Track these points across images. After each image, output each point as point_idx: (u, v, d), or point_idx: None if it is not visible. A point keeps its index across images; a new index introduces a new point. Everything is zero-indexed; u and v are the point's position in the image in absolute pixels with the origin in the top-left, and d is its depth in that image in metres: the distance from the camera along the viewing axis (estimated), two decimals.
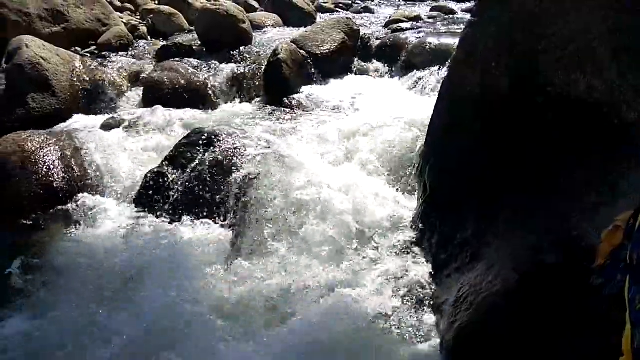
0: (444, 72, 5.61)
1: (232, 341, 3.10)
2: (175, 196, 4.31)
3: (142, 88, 6.18)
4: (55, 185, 4.49)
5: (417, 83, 6.33)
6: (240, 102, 6.21)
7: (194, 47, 7.08)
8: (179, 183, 4.38)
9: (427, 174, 3.88)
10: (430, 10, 9.90)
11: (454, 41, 5.83)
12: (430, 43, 6.54)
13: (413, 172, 4.41)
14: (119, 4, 9.13)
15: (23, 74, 5.55)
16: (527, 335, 2.30)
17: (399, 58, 6.75)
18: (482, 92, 3.26)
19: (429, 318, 3.05)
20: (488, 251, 2.91)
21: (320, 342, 2.94)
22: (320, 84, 6.61)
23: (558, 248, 2.43)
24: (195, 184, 4.37)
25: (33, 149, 4.61)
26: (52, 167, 4.57)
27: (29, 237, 4.14)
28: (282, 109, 5.90)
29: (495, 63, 3.15)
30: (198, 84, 6.22)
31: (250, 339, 3.11)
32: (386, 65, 6.91)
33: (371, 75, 6.91)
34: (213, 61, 6.67)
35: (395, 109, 5.45)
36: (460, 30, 4.81)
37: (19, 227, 4.19)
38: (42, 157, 4.59)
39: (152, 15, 8.40)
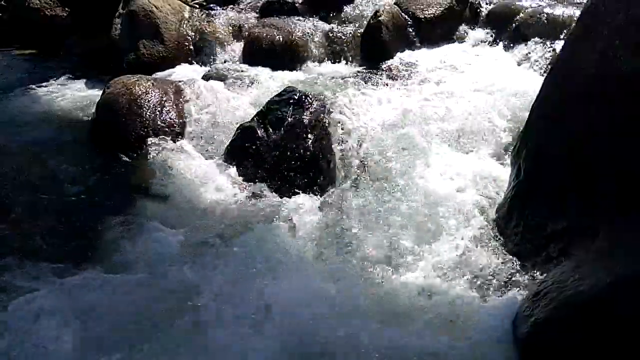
0: (558, 46, 5.14)
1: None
2: (261, 153, 4.40)
3: (243, 42, 6.30)
4: (156, 128, 4.78)
5: (527, 56, 5.87)
6: (336, 63, 6.14)
7: (297, 5, 7.05)
8: (267, 140, 4.47)
9: (524, 157, 3.62)
10: None
11: (576, 12, 5.31)
12: (546, 13, 5.96)
13: (510, 154, 4.15)
14: None
15: (136, 21, 5.88)
16: (605, 346, 2.11)
17: (510, 27, 6.25)
18: (598, 73, 2.92)
19: (505, 307, 2.90)
20: (580, 248, 2.69)
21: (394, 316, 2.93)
22: (421, 50, 6.34)
23: None
24: (282, 143, 4.45)
25: (140, 92, 4.91)
26: (155, 111, 4.86)
27: (130, 171, 4.47)
28: (378, 73, 5.74)
29: (620, 41, 2.79)
30: (296, 42, 6.22)
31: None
32: (495, 34, 6.44)
33: (478, 44, 6.50)
34: (314, 19, 6.61)
35: (500, 84, 5.13)
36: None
37: (122, 161, 4.55)
38: (147, 101, 4.89)
39: None
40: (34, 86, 5.73)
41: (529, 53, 5.80)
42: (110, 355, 2.66)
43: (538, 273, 2.98)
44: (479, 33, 6.50)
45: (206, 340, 2.76)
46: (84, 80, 5.90)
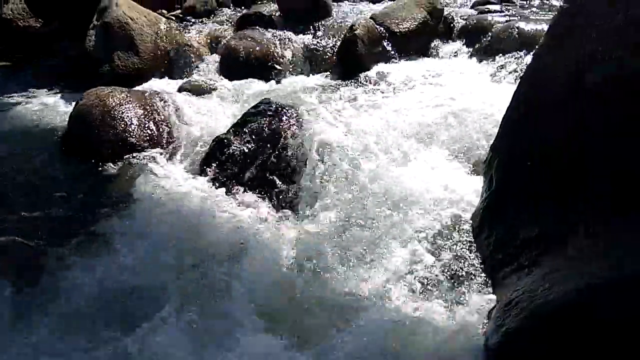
0: (529, 59, 5.26)
1: None
2: (237, 164, 4.38)
3: (219, 55, 6.30)
4: (130, 140, 4.73)
5: (499, 69, 5.98)
6: (312, 75, 6.18)
7: (274, 17, 7.09)
8: (242, 152, 4.45)
9: (495, 168, 3.67)
10: None
11: (545, 28, 5.44)
12: (518, 27, 6.11)
13: (481, 165, 4.20)
14: None
15: (111, 32, 5.83)
16: (578, 355, 2.13)
17: (483, 41, 6.38)
18: (569, 82, 2.98)
19: (476, 317, 2.92)
20: (551, 257, 2.72)
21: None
22: (396, 63, 6.42)
23: None
24: (258, 154, 4.43)
25: (113, 104, 4.86)
26: (129, 123, 4.81)
27: (105, 181, 4.41)
28: (354, 85, 5.80)
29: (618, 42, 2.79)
30: (273, 54, 6.25)
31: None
32: (469, 48, 6.58)
33: (451, 58, 6.62)
34: (290, 32, 6.66)
35: (473, 96, 5.21)
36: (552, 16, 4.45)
37: (96, 172, 4.50)
38: (120, 112, 4.84)
39: None
40: (5, 98, 5.62)
41: (502, 66, 5.91)
42: None
43: (511, 282, 3.00)
44: (453, 47, 6.63)
45: None
46: (58, 92, 5.81)
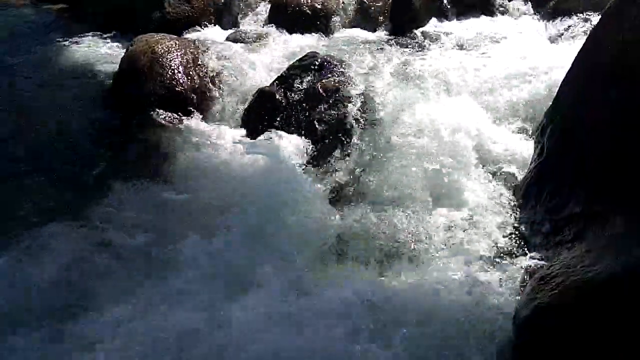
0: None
1: None
2: (278, 118, 4.35)
3: (269, 5, 6.17)
4: (176, 88, 4.76)
5: (565, 31, 5.58)
6: (363, 29, 5.97)
7: None
8: (285, 105, 4.41)
9: (548, 136, 3.47)
10: None
11: None
12: None
13: (535, 132, 3.99)
14: None
15: None
16: (609, 338, 2.01)
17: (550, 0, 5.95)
18: (623, 54, 2.73)
19: (510, 288, 2.83)
20: (594, 234, 2.56)
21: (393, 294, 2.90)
22: (453, 20, 6.12)
23: None
24: (301, 108, 4.37)
25: (161, 51, 4.88)
26: (176, 71, 4.83)
27: (150, 129, 4.48)
28: (406, 41, 5.59)
29: None
30: (324, 6, 6.05)
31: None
32: (533, 6, 6.15)
33: (514, 17, 6.21)
34: None
35: (533, 59, 4.91)
36: None
37: (141, 118, 4.56)
38: (168, 60, 4.86)
39: None
40: (60, 40, 5.76)
41: (568, 28, 5.52)
42: None
43: (549, 256, 2.88)
44: (517, 5, 6.22)
45: None
46: (110, 37, 5.90)
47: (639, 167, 2.50)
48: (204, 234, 3.32)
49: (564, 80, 3.53)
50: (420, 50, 5.35)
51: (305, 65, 4.60)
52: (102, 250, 3.22)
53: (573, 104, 3.34)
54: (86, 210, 3.47)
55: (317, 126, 4.32)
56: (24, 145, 4.15)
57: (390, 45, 5.40)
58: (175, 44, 5.01)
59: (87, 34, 5.86)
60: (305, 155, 4.17)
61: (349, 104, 4.38)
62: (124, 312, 2.84)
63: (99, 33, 5.87)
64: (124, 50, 5.08)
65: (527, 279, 2.74)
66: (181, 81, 4.81)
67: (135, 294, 2.95)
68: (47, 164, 4.00)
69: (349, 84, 4.50)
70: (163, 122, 4.54)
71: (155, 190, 3.66)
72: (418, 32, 5.78)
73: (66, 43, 5.67)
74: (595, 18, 5.30)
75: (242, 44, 5.46)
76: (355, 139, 4.21)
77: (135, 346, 2.63)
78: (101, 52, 5.55)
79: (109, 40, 5.76)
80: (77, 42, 5.70)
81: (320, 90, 4.47)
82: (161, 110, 4.61)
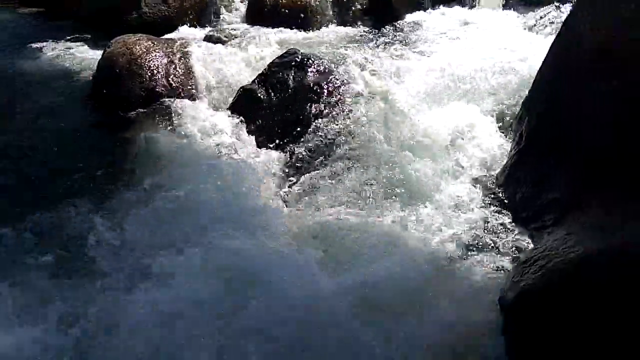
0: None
1: None
2: (261, 115, 4.36)
3: (246, 2, 6.17)
4: (155, 88, 4.73)
5: (538, 21, 5.68)
6: (342, 25, 6.01)
7: None
8: (267, 103, 4.41)
9: (527, 124, 3.54)
10: None
11: None
12: None
13: (512, 121, 4.07)
14: None
15: None
16: (592, 315, 2.08)
17: None
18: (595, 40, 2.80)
19: (495, 271, 2.90)
20: (574, 218, 2.64)
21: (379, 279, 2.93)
22: (431, 12, 6.18)
23: None
24: (283, 106, 4.39)
25: (140, 52, 4.84)
26: (155, 71, 4.79)
27: (130, 129, 4.43)
28: (384, 35, 5.63)
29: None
30: (302, 2, 6.07)
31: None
32: None
33: (488, 8, 6.31)
34: None
35: (509, 49, 5.00)
36: None
37: (121, 119, 4.52)
38: (147, 61, 4.82)
39: None
40: (37, 44, 5.69)
41: (541, 17, 5.62)
42: None
43: (531, 241, 2.95)
44: None
45: None
46: (88, 40, 5.84)
47: (618, 153, 2.56)
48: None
49: (540, 68, 3.60)
50: (400, 43, 5.39)
51: (285, 62, 4.60)
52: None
53: (550, 91, 3.41)
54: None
55: (299, 123, 4.34)
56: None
57: (371, 40, 5.44)
58: (153, 44, 4.98)
59: (65, 36, 5.79)
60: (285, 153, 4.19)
61: (331, 100, 4.41)
62: None
63: (76, 36, 5.81)
64: (102, 52, 5.03)
65: (511, 263, 2.81)
66: (160, 82, 4.78)
67: None
68: (26, 162, 3.96)
69: (330, 80, 4.52)
70: (141, 120, 4.51)
71: (130, 187, 3.62)
72: (397, 24, 5.83)
73: (44, 46, 5.61)
74: (568, 7, 5.45)
75: (221, 43, 5.45)
76: (337, 135, 4.26)
77: None
78: (79, 55, 5.49)
79: (88, 44, 5.70)
80: (54, 46, 5.63)
81: (302, 88, 4.48)
82: (139, 110, 4.58)
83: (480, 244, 3.17)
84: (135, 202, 3.44)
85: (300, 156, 4.16)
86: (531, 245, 2.81)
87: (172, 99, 4.62)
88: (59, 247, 3.14)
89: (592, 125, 2.88)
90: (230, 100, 4.67)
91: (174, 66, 4.85)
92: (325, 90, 4.44)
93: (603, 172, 2.69)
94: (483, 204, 3.50)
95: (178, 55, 4.93)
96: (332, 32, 5.90)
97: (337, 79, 4.53)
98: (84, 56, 5.47)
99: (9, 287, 2.81)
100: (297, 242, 3.22)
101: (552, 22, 5.39)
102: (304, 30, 5.87)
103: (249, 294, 2.74)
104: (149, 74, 4.75)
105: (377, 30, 5.76)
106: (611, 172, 2.65)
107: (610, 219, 2.47)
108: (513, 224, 3.20)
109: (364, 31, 5.83)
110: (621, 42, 2.71)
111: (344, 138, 4.22)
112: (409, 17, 6.05)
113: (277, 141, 4.26)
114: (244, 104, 4.52)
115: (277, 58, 4.71)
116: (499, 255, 3.03)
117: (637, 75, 2.59)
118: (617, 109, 2.71)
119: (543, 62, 3.57)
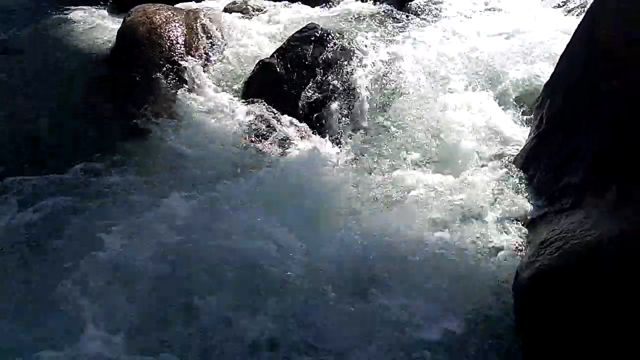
0: None
1: None
2: (278, 89, 4.35)
3: None
4: (174, 58, 4.73)
5: (564, 3, 5.55)
6: (364, 1, 5.91)
7: None
8: (285, 77, 4.40)
9: (548, 107, 3.51)
10: None
11: None
12: None
13: (534, 103, 4.03)
14: None
15: None
16: (606, 297, 2.10)
17: None
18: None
19: (510, 253, 2.92)
20: (592, 202, 2.63)
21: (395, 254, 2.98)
22: None
23: None
24: (300, 80, 4.38)
25: (160, 22, 4.84)
26: (174, 41, 4.80)
27: (149, 98, 4.48)
28: (405, 14, 5.54)
29: None
30: None
31: None
32: None
33: None
34: None
35: (533, 29, 4.91)
36: None
37: (141, 89, 4.55)
38: (166, 30, 4.82)
39: None
40: (54, 13, 5.68)
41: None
42: None
43: (549, 223, 2.94)
44: None
45: None
46: (108, 8, 5.84)
47: (636, 138, 2.55)
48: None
49: (563, 52, 3.55)
50: (420, 23, 5.31)
51: (305, 37, 4.59)
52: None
53: (573, 76, 3.37)
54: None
55: (317, 97, 4.34)
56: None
57: (391, 17, 5.36)
58: (173, 14, 4.97)
59: (80, 6, 5.78)
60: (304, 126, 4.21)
61: (350, 76, 4.40)
62: None
63: (97, 5, 5.80)
64: (119, 22, 5.02)
65: (527, 243, 2.83)
66: (179, 50, 4.78)
67: None
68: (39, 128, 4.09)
69: (348, 56, 4.50)
70: (160, 90, 4.52)
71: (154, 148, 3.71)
72: (418, 3, 5.73)
73: (60, 16, 5.60)
74: None
75: (241, 14, 5.41)
76: (355, 110, 4.26)
77: None
78: (99, 23, 5.48)
79: (108, 11, 5.70)
80: (70, 15, 5.62)
81: (321, 62, 4.47)
82: (158, 80, 4.59)
83: (499, 223, 3.17)
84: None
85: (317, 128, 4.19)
86: (548, 228, 2.81)
87: (191, 69, 4.62)
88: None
89: (613, 111, 2.85)
90: (249, 72, 4.67)
91: (194, 36, 4.85)
92: (344, 66, 4.43)
93: (622, 156, 2.68)
94: (503, 185, 3.49)
95: (198, 26, 4.91)
96: (351, 7, 5.81)
97: (356, 55, 4.53)
98: (103, 24, 5.47)
99: None
100: None
101: (577, 5, 5.26)
102: (324, 6, 5.79)
103: None
104: (169, 43, 4.75)
105: (398, 9, 5.66)
106: (630, 156, 2.63)
107: (628, 204, 2.46)
108: (532, 205, 3.20)
109: (384, 8, 5.74)
110: None
111: (361, 111, 4.25)
112: None
113: (294, 114, 4.28)
114: (263, 77, 4.52)
115: (296, 32, 4.69)
116: (516, 236, 3.04)
117: None
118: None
119: (567, 46, 3.51)
